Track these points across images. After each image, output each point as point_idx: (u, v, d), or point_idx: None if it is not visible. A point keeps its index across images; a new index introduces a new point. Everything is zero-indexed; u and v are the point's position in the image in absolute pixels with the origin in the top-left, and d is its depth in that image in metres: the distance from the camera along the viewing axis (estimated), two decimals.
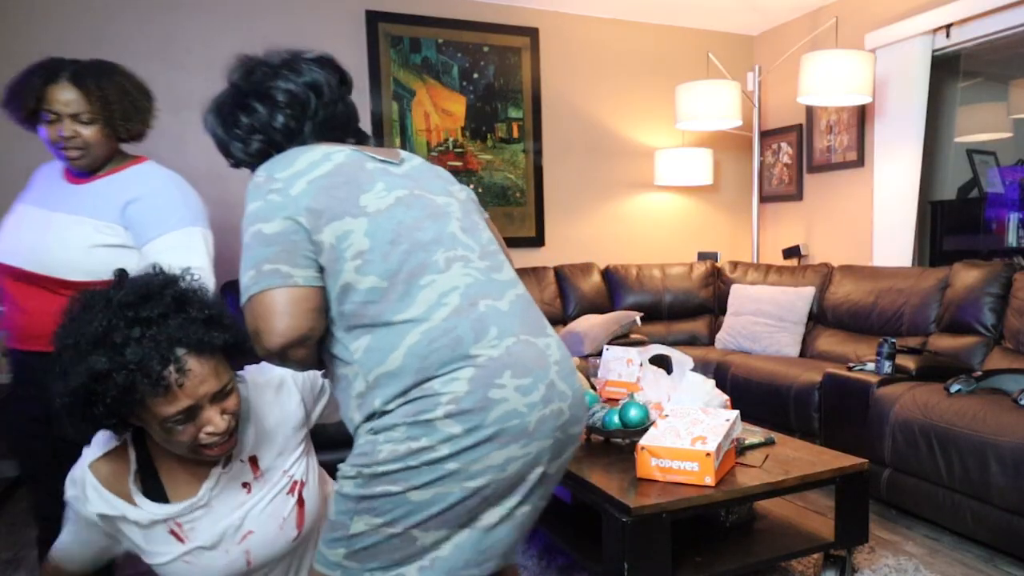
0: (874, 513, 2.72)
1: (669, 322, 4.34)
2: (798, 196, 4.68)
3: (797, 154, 4.64)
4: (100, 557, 1.35)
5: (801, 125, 4.58)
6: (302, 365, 1.17)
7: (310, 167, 1.15)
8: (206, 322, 1.18)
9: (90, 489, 1.25)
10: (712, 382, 2.37)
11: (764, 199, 4.89)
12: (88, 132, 1.61)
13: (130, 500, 1.26)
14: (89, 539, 1.31)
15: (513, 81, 4.34)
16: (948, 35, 3.64)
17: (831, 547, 2.11)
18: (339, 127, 1.28)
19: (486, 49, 4.26)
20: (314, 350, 1.16)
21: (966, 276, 3.21)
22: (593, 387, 2.45)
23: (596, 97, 4.60)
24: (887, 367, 2.84)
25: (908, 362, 2.87)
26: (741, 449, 2.18)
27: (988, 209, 4.44)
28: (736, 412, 2.08)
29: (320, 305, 1.13)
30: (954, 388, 2.59)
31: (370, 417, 1.12)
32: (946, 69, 4.24)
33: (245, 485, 1.32)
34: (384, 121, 4.05)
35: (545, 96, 4.46)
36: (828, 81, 3.58)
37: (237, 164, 1.31)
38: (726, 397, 2.34)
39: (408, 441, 1.08)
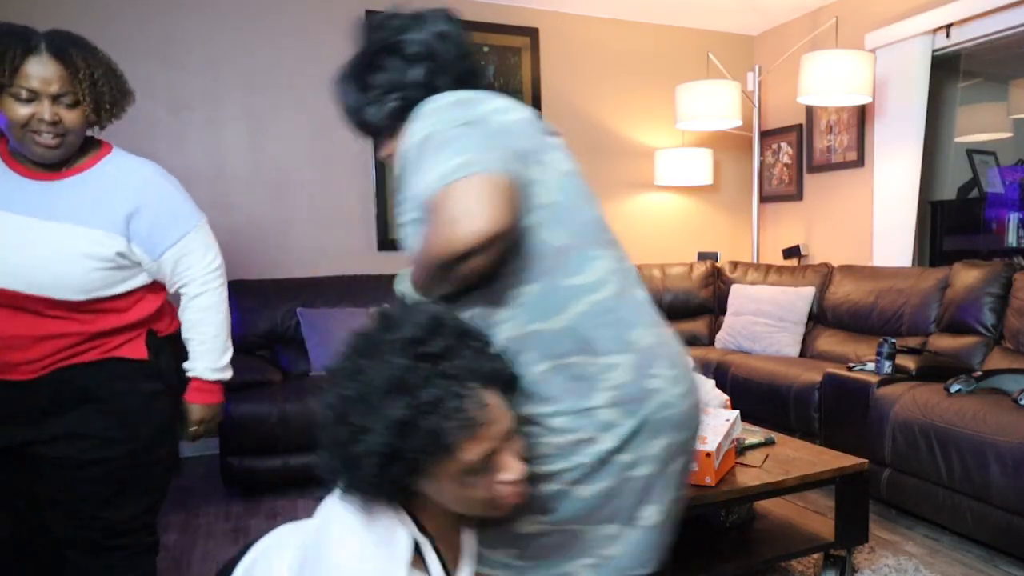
0: (874, 513, 2.72)
1: (669, 322, 4.29)
2: (798, 196, 4.68)
3: (797, 154, 4.64)
4: None
5: (801, 125, 4.58)
6: (466, 280, 1.00)
7: (506, 108, 1.07)
8: (489, 353, 0.99)
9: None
10: (712, 382, 2.37)
11: (764, 199, 4.89)
12: (71, 117, 1.37)
13: None
14: None
15: (513, 81, 4.34)
16: (948, 35, 3.64)
17: (831, 547, 2.11)
18: (472, 83, 1.17)
19: (486, 49, 4.26)
20: (493, 263, 0.99)
21: (966, 276, 3.21)
22: None
23: (596, 97, 4.60)
24: (887, 367, 2.84)
25: (908, 362, 2.87)
26: (741, 449, 2.18)
27: (988, 209, 4.44)
28: (736, 412, 2.08)
29: (520, 207, 1.00)
30: (954, 388, 2.59)
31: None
32: (946, 69, 4.24)
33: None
34: None
35: (545, 96, 4.46)
36: (828, 81, 3.58)
37: (371, 132, 1.20)
38: (726, 397, 2.34)
39: (568, 433, 1.03)
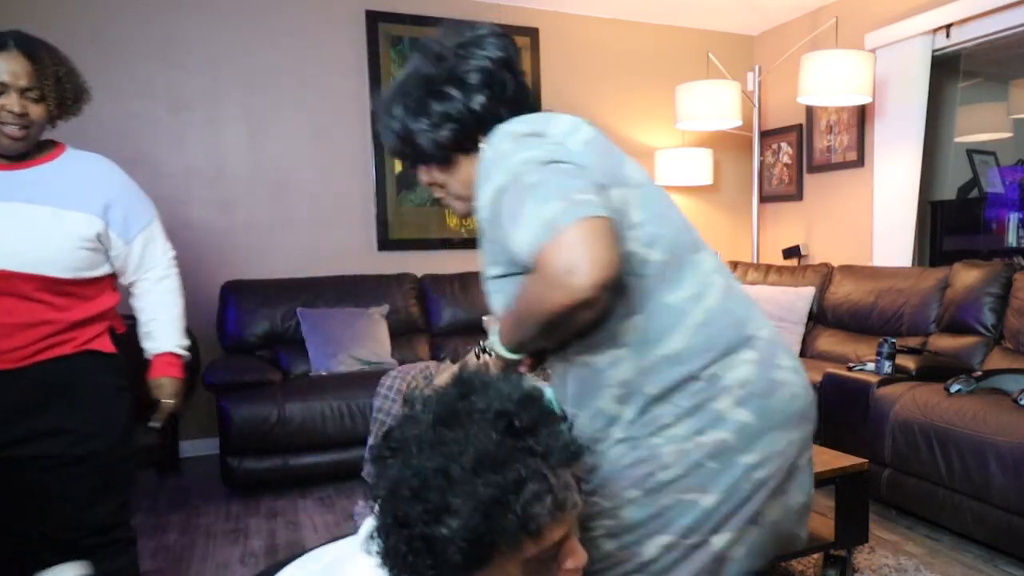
0: (874, 513, 2.72)
1: None
2: (798, 196, 4.68)
3: (797, 154, 4.64)
4: None
5: (801, 125, 4.58)
6: (579, 328, 0.95)
7: (572, 129, 1.04)
8: (566, 431, 0.88)
9: None
10: None
11: (764, 199, 4.88)
12: (36, 110, 1.45)
13: None
14: None
15: None
16: (948, 35, 3.64)
17: (831, 547, 2.11)
18: (526, 105, 1.12)
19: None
20: (604, 312, 0.94)
21: (966, 276, 3.21)
22: None
23: (596, 97, 4.60)
24: (887, 367, 2.84)
25: (908, 362, 2.87)
26: None
27: (988, 209, 4.44)
28: None
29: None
30: (954, 388, 2.59)
31: (633, 405, 1.00)
32: (946, 69, 4.24)
33: None
34: None
35: (545, 96, 4.45)
36: (828, 81, 3.58)
37: (417, 158, 1.16)
38: None
39: (695, 437, 0.98)
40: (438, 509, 0.77)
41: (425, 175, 1.19)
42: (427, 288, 4.00)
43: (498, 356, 1.07)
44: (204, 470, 3.48)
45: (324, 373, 3.44)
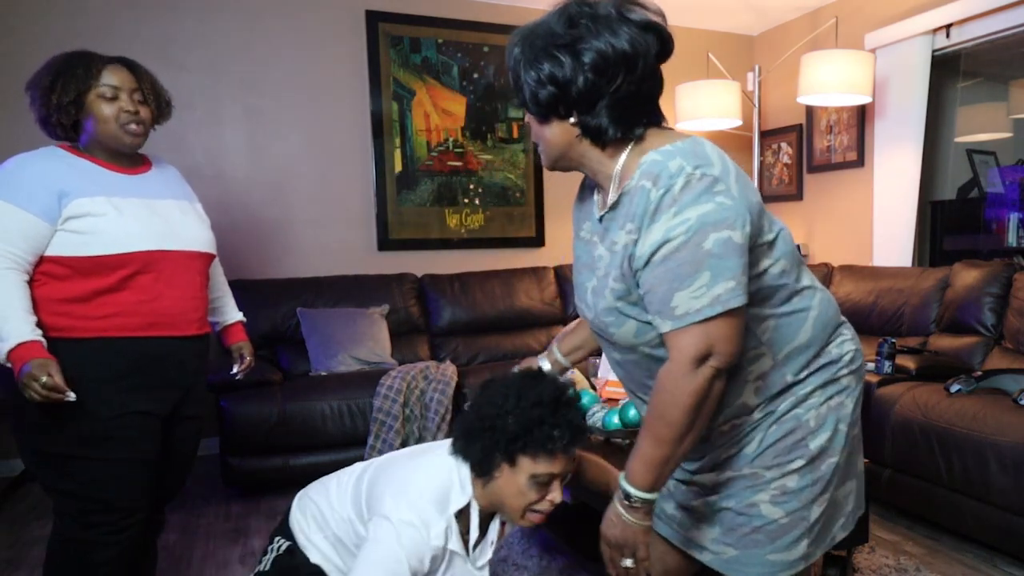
0: (874, 513, 2.72)
1: None
2: (798, 196, 4.68)
3: (797, 154, 4.64)
4: None
5: (801, 125, 4.58)
6: (716, 404, 1.08)
7: (724, 163, 1.06)
8: (583, 420, 1.39)
9: (448, 529, 1.36)
10: None
11: (764, 199, 4.87)
12: (145, 111, 1.67)
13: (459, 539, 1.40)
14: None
15: None
16: (948, 35, 3.64)
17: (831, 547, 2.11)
18: (638, 106, 1.10)
19: (486, 49, 4.26)
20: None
21: (966, 276, 3.21)
22: (593, 387, 2.45)
23: None
24: (887, 367, 2.84)
25: (908, 362, 2.87)
26: None
27: (988, 209, 4.44)
28: None
29: None
30: (954, 388, 2.59)
31: (775, 395, 1.16)
32: (946, 69, 4.23)
33: (492, 542, 1.50)
34: (384, 121, 4.05)
35: None
36: (828, 81, 3.58)
37: (521, 103, 1.19)
38: None
39: (827, 402, 1.17)
40: (501, 413, 1.32)
41: (527, 118, 1.21)
42: (427, 288, 4.00)
43: (631, 507, 1.10)
44: (204, 470, 3.48)
45: (324, 373, 3.44)
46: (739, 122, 4.11)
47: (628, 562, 1.13)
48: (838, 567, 2.14)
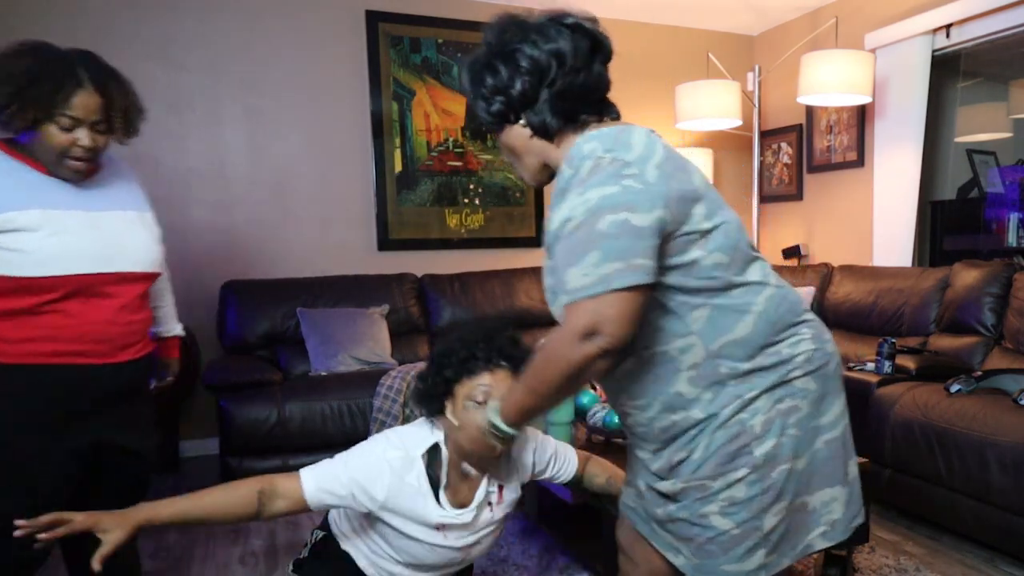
0: (874, 513, 2.72)
1: None
2: (798, 196, 4.68)
3: (797, 154, 4.64)
4: (332, 506, 1.50)
5: (801, 125, 4.58)
6: (593, 378, 1.13)
7: (648, 151, 1.11)
8: (521, 346, 1.50)
9: (415, 469, 1.46)
10: None
11: (764, 199, 4.88)
12: (102, 140, 1.48)
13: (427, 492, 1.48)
14: (360, 497, 1.44)
15: None
16: (948, 35, 3.64)
17: (832, 547, 2.11)
18: (578, 97, 1.20)
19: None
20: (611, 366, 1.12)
21: (966, 276, 3.21)
22: (594, 387, 2.45)
23: None
24: (887, 367, 2.84)
25: (908, 362, 2.87)
26: None
27: (988, 209, 4.44)
28: None
29: None
30: (954, 388, 2.59)
31: (710, 386, 1.14)
32: (946, 69, 4.23)
33: (489, 504, 1.55)
34: (384, 121, 4.05)
35: None
36: (828, 81, 3.58)
37: (480, 124, 1.32)
38: None
39: (775, 406, 1.13)
40: (451, 353, 1.47)
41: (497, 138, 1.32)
42: (427, 288, 4.00)
43: (494, 433, 1.25)
44: (204, 470, 3.48)
45: (324, 373, 3.44)
46: (739, 122, 4.11)
47: (472, 470, 1.45)
48: (838, 567, 2.14)
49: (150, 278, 1.60)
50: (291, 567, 1.67)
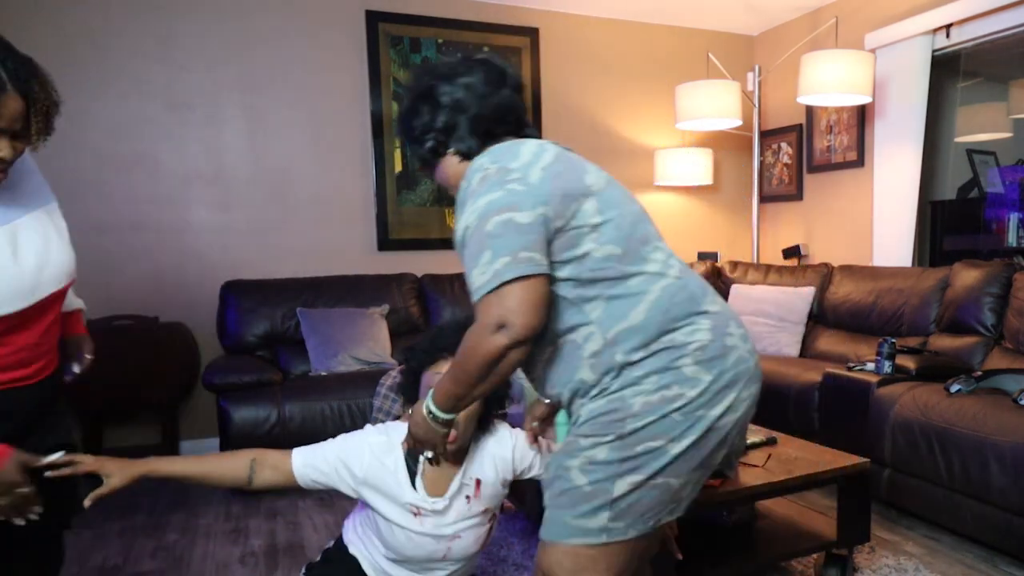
0: (874, 513, 2.72)
1: None
2: (798, 196, 4.68)
3: (797, 154, 4.64)
4: (317, 481, 1.57)
5: (801, 125, 4.59)
6: (516, 367, 1.18)
7: (535, 157, 1.23)
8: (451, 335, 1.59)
9: (393, 453, 1.57)
10: None
11: (764, 199, 4.88)
12: (20, 148, 1.25)
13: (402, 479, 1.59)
14: (342, 472, 1.56)
15: None
16: (948, 35, 3.64)
17: (833, 546, 2.11)
18: (492, 120, 1.35)
19: (486, 49, 4.25)
20: (524, 357, 1.18)
21: (966, 276, 3.21)
22: None
23: (596, 97, 4.60)
24: (887, 367, 2.84)
25: (908, 362, 2.87)
26: (743, 449, 2.18)
27: (988, 209, 4.44)
28: None
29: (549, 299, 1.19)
30: (954, 388, 2.59)
31: (608, 372, 1.19)
32: (946, 69, 4.24)
33: (468, 498, 1.61)
34: (384, 121, 4.05)
35: (545, 96, 4.46)
36: (828, 81, 3.58)
37: (420, 165, 1.43)
38: None
39: (661, 391, 1.17)
40: (419, 345, 1.66)
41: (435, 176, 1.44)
42: (427, 288, 4.00)
43: (432, 418, 1.32)
44: None
45: (324, 373, 3.44)
46: (739, 122, 4.11)
47: (428, 454, 1.45)
48: (838, 567, 2.14)
49: (66, 290, 1.41)
50: (304, 570, 1.74)
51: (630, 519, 1.19)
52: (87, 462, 1.35)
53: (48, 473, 1.30)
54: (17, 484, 1.26)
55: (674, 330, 1.20)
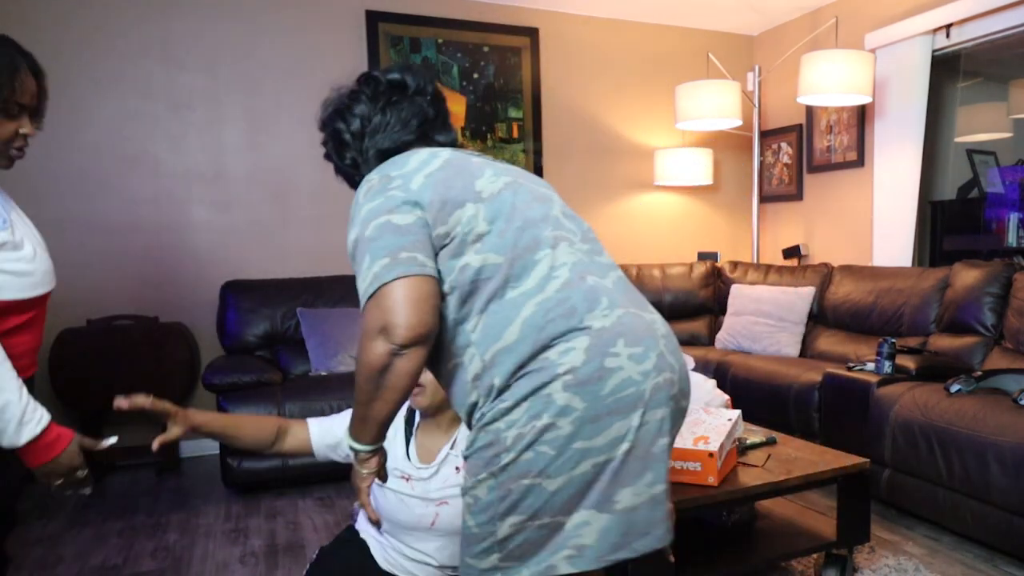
0: (874, 513, 2.72)
1: (669, 322, 4.32)
2: (798, 196, 4.68)
3: (797, 154, 4.64)
4: (328, 453, 1.69)
5: (801, 125, 4.59)
6: (410, 377, 1.08)
7: (422, 164, 1.19)
8: None
9: (394, 424, 1.65)
10: (713, 382, 2.37)
11: (764, 199, 4.89)
12: (36, 127, 1.34)
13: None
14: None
15: (513, 81, 4.34)
16: (948, 35, 3.65)
17: (833, 546, 2.11)
18: (394, 131, 1.33)
19: (486, 49, 4.26)
20: (425, 358, 1.10)
21: (966, 276, 3.21)
22: None
23: (596, 97, 4.60)
24: (887, 367, 2.84)
25: (908, 362, 2.87)
26: (743, 449, 2.18)
27: (988, 209, 4.44)
28: (738, 412, 2.08)
29: (439, 303, 1.13)
30: (954, 388, 2.59)
31: (488, 397, 1.11)
32: (946, 69, 4.24)
33: (457, 468, 1.61)
34: None
35: (545, 96, 4.46)
36: (828, 81, 3.58)
37: (352, 183, 1.43)
38: (727, 397, 2.34)
39: (532, 421, 1.06)
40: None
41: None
42: None
43: (354, 453, 1.21)
44: (204, 470, 3.48)
45: (324, 373, 3.44)
46: (739, 122, 4.11)
47: (356, 505, 1.40)
48: (838, 567, 2.14)
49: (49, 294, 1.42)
50: (315, 554, 1.79)
51: (523, 560, 1.10)
52: (168, 406, 1.45)
53: (120, 404, 1.36)
54: (77, 467, 1.31)
55: (548, 348, 1.08)
